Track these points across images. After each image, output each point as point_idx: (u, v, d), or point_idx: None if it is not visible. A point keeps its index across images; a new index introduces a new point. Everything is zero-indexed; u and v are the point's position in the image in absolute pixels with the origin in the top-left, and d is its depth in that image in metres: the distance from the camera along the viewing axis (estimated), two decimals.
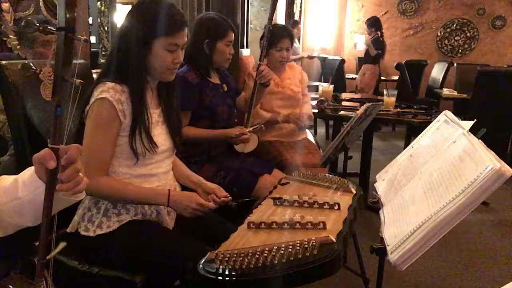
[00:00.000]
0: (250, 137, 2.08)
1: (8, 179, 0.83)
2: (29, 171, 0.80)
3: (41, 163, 0.73)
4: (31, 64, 0.75)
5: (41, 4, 2.81)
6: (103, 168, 1.29)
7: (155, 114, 1.37)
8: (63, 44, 0.69)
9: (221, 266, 0.94)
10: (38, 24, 0.73)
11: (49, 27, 0.70)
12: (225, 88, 2.08)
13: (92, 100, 1.26)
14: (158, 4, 1.30)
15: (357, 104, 3.22)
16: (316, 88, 3.74)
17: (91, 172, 1.25)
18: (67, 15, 0.68)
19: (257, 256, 0.95)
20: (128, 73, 1.29)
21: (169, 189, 1.36)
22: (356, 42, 6.27)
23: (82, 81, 0.71)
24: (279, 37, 2.36)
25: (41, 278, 0.76)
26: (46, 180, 0.74)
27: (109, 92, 1.25)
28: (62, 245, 0.76)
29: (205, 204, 1.34)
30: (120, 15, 4.59)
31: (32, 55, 2.22)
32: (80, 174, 0.77)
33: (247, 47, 4.33)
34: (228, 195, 1.46)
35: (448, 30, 7.11)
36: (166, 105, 1.43)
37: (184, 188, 1.53)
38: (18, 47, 2.44)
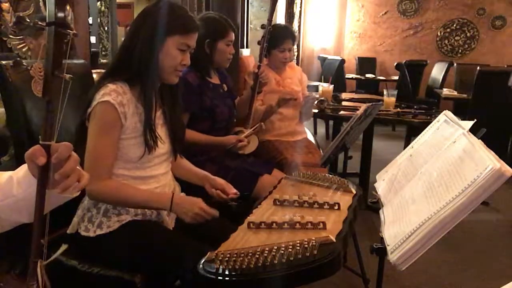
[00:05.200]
0: (250, 138, 2.08)
1: (3, 176, 0.82)
2: (23, 168, 0.79)
3: (32, 160, 0.73)
4: (22, 61, 0.74)
5: (41, 4, 2.81)
6: (108, 171, 1.29)
7: (155, 116, 1.37)
8: (53, 39, 0.68)
9: (221, 266, 0.94)
10: (28, 20, 0.72)
11: (39, 22, 0.70)
12: (225, 89, 2.08)
13: (94, 103, 1.26)
14: (174, 5, 1.33)
15: (357, 104, 3.22)
16: (316, 88, 3.74)
17: (97, 176, 1.25)
18: (57, 10, 0.68)
19: (257, 256, 0.95)
20: (139, 68, 1.29)
21: (173, 193, 1.35)
22: None
23: (71, 75, 0.71)
24: (282, 38, 2.35)
25: (34, 278, 0.76)
26: (38, 177, 0.74)
27: (111, 95, 1.25)
28: (64, 247, 0.76)
29: (208, 210, 1.31)
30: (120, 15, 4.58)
31: (34, 46, 2.20)
32: (78, 168, 0.77)
33: (247, 47, 4.34)
34: (238, 192, 1.43)
35: (448, 30, 7.11)
36: (168, 108, 1.43)
37: (190, 185, 1.52)
38: (13, 44, 2.39)
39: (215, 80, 2.04)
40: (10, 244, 1.19)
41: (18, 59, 0.74)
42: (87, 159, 1.26)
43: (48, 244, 0.76)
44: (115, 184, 1.30)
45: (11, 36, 2.66)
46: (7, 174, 0.82)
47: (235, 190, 1.43)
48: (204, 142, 1.95)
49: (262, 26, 2.21)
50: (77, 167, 0.77)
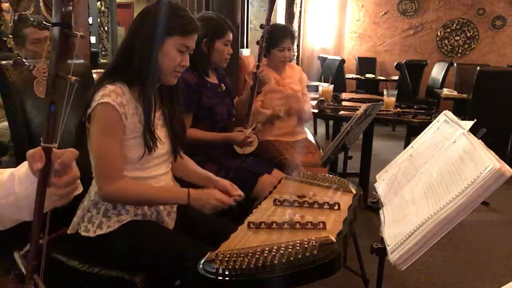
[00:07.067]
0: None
1: (5, 173, 0.82)
2: (25, 166, 0.78)
3: (31, 159, 0.72)
4: (24, 60, 0.73)
5: (41, 4, 2.82)
6: (119, 172, 1.29)
7: (155, 117, 1.37)
8: (58, 40, 0.67)
9: (221, 266, 0.94)
10: (32, 19, 0.71)
11: (44, 22, 0.69)
12: (223, 88, 2.08)
13: (94, 104, 1.25)
14: (174, 6, 1.32)
15: (357, 104, 3.22)
16: (316, 88, 3.73)
17: (109, 178, 1.26)
18: (63, 10, 0.66)
19: (257, 256, 0.95)
20: (139, 69, 1.28)
21: (188, 188, 1.36)
22: None
23: (77, 78, 0.70)
24: (281, 37, 2.36)
25: (31, 280, 0.75)
26: (38, 180, 0.73)
27: (111, 96, 1.24)
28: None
29: (224, 200, 1.34)
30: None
31: (24, 53, 2.23)
32: (78, 180, 0.76)
33: (247, 47, 4.34)
34: (242, 193, 1.43)
35: (448, 30, 7.11)
36: (168, 109, 1.43)
37: (192, 186, 1.52)
38: (13, 44, 2.43)
39: (213, 79, 2.04)
40: (9, 245, 1.19)
41: (19, 58, 0.73)
42: (95, 162, 1.27)
43: (48, 243, 0.75)
44: (129, 185, 1.30)
45: (11, 36, 2.67)
46: (8, 171, 0.81)
47: (239, 192, 1.42)
48: (210, 139, 1.95)
49: (261, 26, 2.22)
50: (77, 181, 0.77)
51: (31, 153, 0.72)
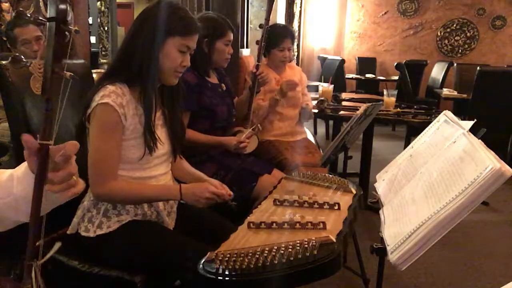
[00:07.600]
0: (251, 138, 2.08)
1: (4, 174, 0.82)
2: (23, 166, 0.78)
3: (29, 154, 0.72)
4: (22, 57, 0.72)
5: (41, 3, 2.82)
6: (113, 173, 1.29)
7: (155, 117, 1.37)
8: (54, 36, 0.66)
9: (221, 266, 0.94)
10: (29, 15, 0.70)
11: (40, 18, 0.69)
12: (224, 88, 2.08)
13: (94, 104, 1.25)
14: (175, 6, 1.32)
15: (357, 104, 3.22)
16: (316, 88, 3.73)
17: (103, 179, 1.26)
18: (59, 5, 0.65)
19: (257, 256, 0.95)
20: (139, 69, 1.28)
21: (180, 184, 1.36)
22: None
23: (72, 73, 0.69)
24: (281, 37, 2.36)
25: (29, 280, 0.74)
26: (35, 178, 0.72)
27: (111, 97, 1.24)
28: (57, 245, 0.74)
29: (218, 192, 1.33)
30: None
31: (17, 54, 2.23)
32: (74, 177, 0.76)
33: (247, 47, 4.34)
34: (231, 193, 1.44)
35: (448, 30, 7.11)
36: (168, 109, 1.43)
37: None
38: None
39: (213, 79, 2.04)
40: (8, 246, 1.19)
41: (17, 54, 0.73)
42: (91, 162, 1.26)
43: (46, 245, 0.75)
44: (121, 184, 1.30)
45: None
46: (8, 172, 0.81)
47: (229, 192, 1.42)
48: (204, 142, 1.95)
49: (260, 26, 2.22)
50: (73, 177, 0.76)
51: (27, 152, 0.72)
